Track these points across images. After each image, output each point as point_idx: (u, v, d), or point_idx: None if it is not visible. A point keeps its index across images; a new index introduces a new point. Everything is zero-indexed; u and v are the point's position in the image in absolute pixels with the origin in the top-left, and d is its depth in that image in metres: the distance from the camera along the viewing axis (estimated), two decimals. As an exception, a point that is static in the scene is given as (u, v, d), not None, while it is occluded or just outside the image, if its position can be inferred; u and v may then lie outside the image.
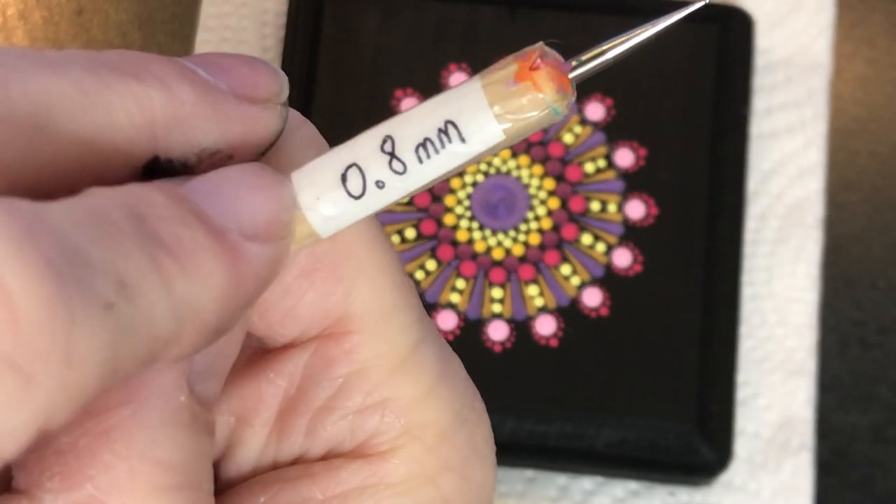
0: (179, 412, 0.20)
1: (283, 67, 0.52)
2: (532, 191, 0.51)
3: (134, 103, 0.19)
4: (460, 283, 0.50)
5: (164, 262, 0.17)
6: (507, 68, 0.20)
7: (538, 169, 0.51)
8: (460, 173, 0.51)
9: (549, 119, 0.20)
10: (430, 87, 0.52)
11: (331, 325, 0.22)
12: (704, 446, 0.48)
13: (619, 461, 0.49)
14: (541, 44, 0.20)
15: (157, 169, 0.19)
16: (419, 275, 0.50)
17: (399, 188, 0.20)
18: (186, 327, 0.18)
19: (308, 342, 0.22)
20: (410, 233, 0.51)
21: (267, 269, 0.19)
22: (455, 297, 0.50)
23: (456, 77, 0.52)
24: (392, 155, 0.20)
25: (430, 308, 0.50)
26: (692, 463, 0.48)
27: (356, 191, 0.20)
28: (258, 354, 0.23)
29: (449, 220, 0.51)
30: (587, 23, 0.53)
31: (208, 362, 0.21)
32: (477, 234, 0.51)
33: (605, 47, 0.20)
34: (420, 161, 0.20)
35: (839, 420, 0.51)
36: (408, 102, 0.52)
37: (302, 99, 0.52)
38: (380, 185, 0.20)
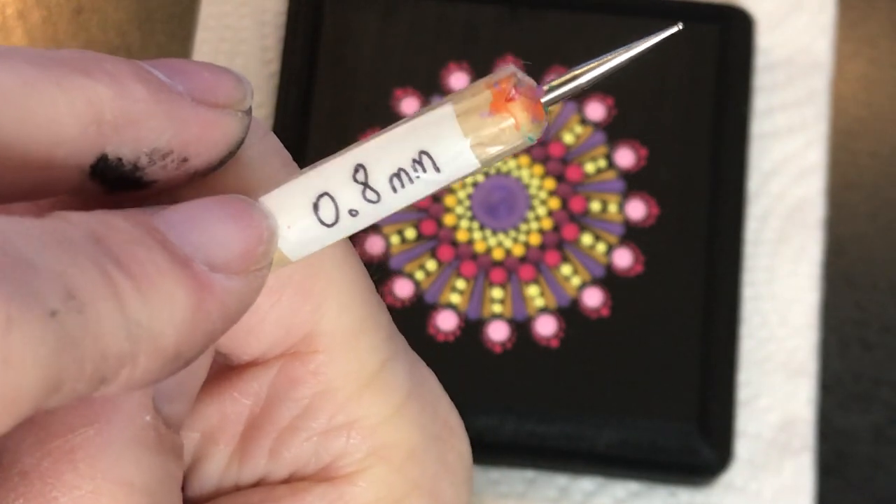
0: (145, 433, 0.19)
1: (283, 67, 0.52)
2: (532, 191, 0.51)
3: (81, 98, 0.18)
4: (460, 284, 0.50)
5: (118, 279, 0.17)
6: (480, 96, 0.19)
7: (538, 169, 0.51)
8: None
9: (522, 146, 0.20)
10: (430, 87, 0.52)
11: (297, 344, 0.22)
12: (705, 447, 0.48)
13: (620, 462, 0.49)
14: (513, 69, 0.20)
15: (106, 169, 0.19)
16: (419, 275, 0.50)
17: (372, 215, 0.20)
18: (142, 351, 0.17)
19: (273, 360, 0.22)
20: (410, 233, 0.51)
21: (237, 302, 0.19)
22: (455, 298, 0.50)
23: (456, 77, 0.52)
24: (365, 185, 0.20)
25: (430, 308, 0.50)
26: (693, 463, 0.48)
27: (329, 219, 0.20)
28: (223, 371, 0.23)
29: (449, 220, 0.51)
30: (587, 23, 0.52)
31: (175, 383, 0.20)
32: (477, 235, 0.51)
33: (578, 72, 0.20)
34: (394, 190, 0.20)
35: (840, 421, 0.51)
36: (408, 102, 0.52)
37: (302, 99, 0.52)
38: (353, 213, 0.20)
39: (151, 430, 0.19)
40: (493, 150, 0.19)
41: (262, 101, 0.54)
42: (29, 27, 0.56)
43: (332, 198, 0.20)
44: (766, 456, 0.50)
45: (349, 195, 0.20)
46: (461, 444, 0.24)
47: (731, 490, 0.50)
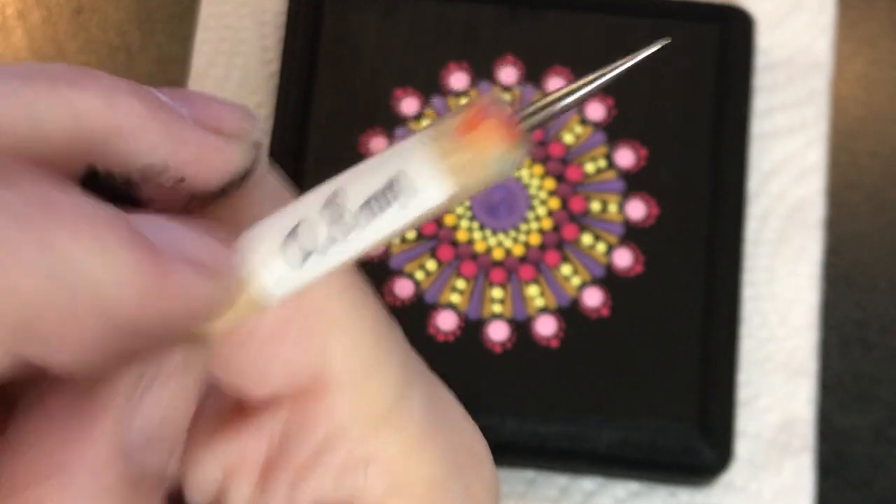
0: (115, 483, 0.19)
1: (283, 67, 0.52)
2: (532, 191, 0.51)
3: (66, 109, 0.18)
4: (460, 284, 0.50)
5: (42, 222, 0.16)
6: (454, 120, 0.19)
7: (538, 169, 0.51)
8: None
9: (500, 171, 0.19)
10: (430, 87, 0.52)
11: (307, 384, 0.22)
12: (705, 447, 0.48)
13: (620, 462, 0.49)
14: (488, 95, 0.19)
15: (97, 182, 0.19)
16: (419, 275, 0.50)
17: (345, 250, 0.19)
18: (80, 304, 0.17)
19: (287, 399, 0.22)
20: (410, 233, 0.51)
21: (197, 298, 0.18)
22: (455, 298, 0.50)
23: (456, 77, 0.52)
24: (338, 212, 0.19)
25: (430, 308, 0.50)
26: (693, 463, 0.48)
27: (300, 254, 0.19)
28: (240, 408, 0.23)
29: (449, 220, 0.51)
30: (587, 23, 0.52)
31: (150, 430, 0.20)
32: (477, 235, 0.51)
33: (555, 96, 0.19)
34: (366, 217, 0.19)
35: (840, 421, 0.51)
36: (408, 102, 0.52)
37: (302, 99, 0.52)
38: (325, 246, 0.19)
39: (123, 482, 0.19)
40: (466, 175, 0.19)
41: (262, 101, 0.54)
42: (29, 27, 0.56)
43: (304, 229, 0.19)
44: (766, 456, 0.50)
45: (321, 227, 0.19)
46: (487, 471, 0.23)
47: (731, 490, 0.50)
